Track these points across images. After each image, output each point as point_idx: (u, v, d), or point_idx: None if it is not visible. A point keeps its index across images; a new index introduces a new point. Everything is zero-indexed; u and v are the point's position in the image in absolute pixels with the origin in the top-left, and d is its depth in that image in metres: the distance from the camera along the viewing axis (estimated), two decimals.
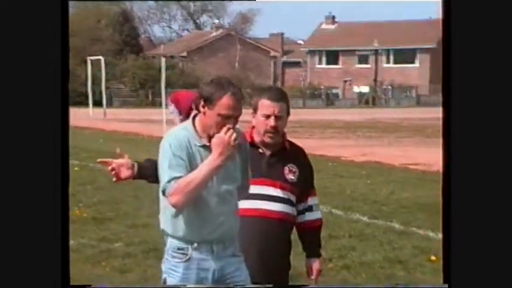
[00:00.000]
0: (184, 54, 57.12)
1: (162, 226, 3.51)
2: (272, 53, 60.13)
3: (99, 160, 3.66)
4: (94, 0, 45.23)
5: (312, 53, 58.39)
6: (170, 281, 3.50)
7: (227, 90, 3.44)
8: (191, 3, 68.20)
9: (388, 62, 54.99)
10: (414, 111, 40.24)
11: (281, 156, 3.84)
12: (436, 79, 52.60)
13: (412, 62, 54.21)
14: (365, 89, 52.64)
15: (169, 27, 71.56)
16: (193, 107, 3.56)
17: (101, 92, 35.15)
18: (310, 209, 3.93)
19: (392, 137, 22.36)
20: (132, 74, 49.69)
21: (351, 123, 28.42)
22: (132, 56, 51.83)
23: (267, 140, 3.79)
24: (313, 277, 3.93)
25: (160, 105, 28.42)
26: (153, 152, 3.71)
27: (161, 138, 3.50)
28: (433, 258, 3.78)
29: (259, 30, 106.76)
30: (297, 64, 59.65)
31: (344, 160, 15.27)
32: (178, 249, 3.46)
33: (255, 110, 3.82)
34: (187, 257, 3.47)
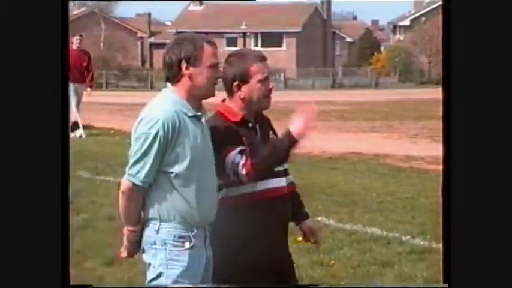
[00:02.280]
0: None
1: (151, 215, 3.23)
2: (139, 34, 59.26)
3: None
4: (94, 0, 42.94)
5: (179, 34, 57.94)
6: (173, 273, 3.22)
7: (202, 40, 3.28)
8: None
9: (256, 45, 55.49)
10: (283, 94, 40.85)
11: (264, 126, 3.59)
12: (302, 62, 53.90)
13: (280, 46, 55.06)
14: None
15: None
16: (165, 74, 3.30)
17: None
18: (286, 173, 3.65)
19: None
20: None
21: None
22: None
23: (267, 106, 3.51)
24: (314, 239, 3.80)
25: None
26: None
27: None
28: (299, 239, 3.91)
29: (125, 10, 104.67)
30: (165, 45, 59.07)
31: None
32: (180, 237, 3.23)
33: (246, 78, 3.45)
34: (192, 244, 3.24)
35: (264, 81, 3.45)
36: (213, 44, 3.32)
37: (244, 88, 3.45)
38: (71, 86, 13.10)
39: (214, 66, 3.28)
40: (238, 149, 3.37)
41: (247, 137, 3.41)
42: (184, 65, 3.25)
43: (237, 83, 3.45)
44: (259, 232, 3.42)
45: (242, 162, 3.32)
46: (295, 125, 3.32)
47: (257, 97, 3.46)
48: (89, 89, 14.39)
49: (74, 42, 14.17)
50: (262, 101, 3.48)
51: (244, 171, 3.32)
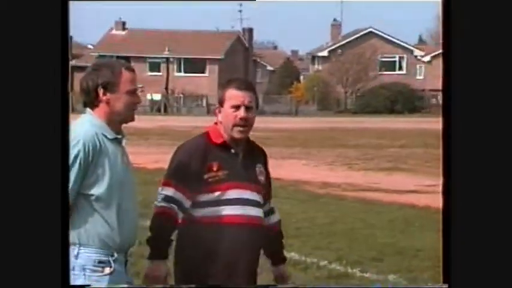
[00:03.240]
0: None
1: (71, 240, 3.10)
2: None
3: None
4: (94, 0, 41.45)
5: (102, 57, 57.38)
6: None
7: (120, 66, 3.24)
8: None
9: (179, 70, 55.40)
10: (204, 119, 40.91)
11: (251, 157, 3.51)
12: None
13: (202, 72, 55.09)
14: (157, 97, 52.68)
15: None
16: (83, 99, 3.24)
17: None
18: (273, 211, 3.67)
19: None
20: None
21: (143, 130, 28.28)
22: None
23: (236, 135, 3.43)
24: (287, 283, 3.71)
25: None
26: None
27: None
28: None
29: None
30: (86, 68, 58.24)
31: (136, 167, 15.19)
32: (100, 262, 3.16)
33: (221, 103, 3.46)
34: (112, 269, 3.18)
35: (237, 107, 3.44)
36: (131, 70, 3.31)
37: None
38: None
39: (132, 92, 3.26)
40: (171, 190, 3.44)
41: (223, 160, 3.42)
42: (101, 91, 3.21)
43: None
44: (213, 255, 3.40)
45: (159, 204, 3.44)
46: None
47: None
48: None
49: None
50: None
51: (154, 211, 3.47)
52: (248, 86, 3.50)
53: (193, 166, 3.41)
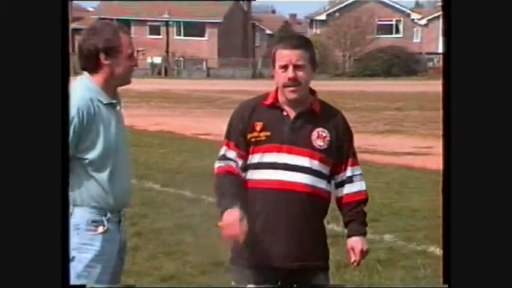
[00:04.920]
0: None
1: (72, 199, 3.11)
2: None
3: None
4: (94, 0, 40.66)
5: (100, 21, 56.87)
6: (85, 257, 3.16)
7: (119, 29, 3.18)
8: None
9: (179, 34, 55.09)
10: (204, 83, 40.80)
11: (308, 119, 3.25)
12: (224, 53, 53.79)
13: (202, 35, 54.77)
14: (158, 60, 52.45)
15: None
16: (81, 64, 3.17)
17: None
18: (349, 180, 3.33)
19: (184, 108, 22.57)
20: None
21: (144, 93, 28.22)
22: None
23: (288, 96, 3.22)
24: (355, 259, 3.35)
25: None
26: None
27: None
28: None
29: None
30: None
31: (137, 129, 15.16)
32: (93, 221, 3.18)
33: (273, 64, 3.26)
34: (106, 228, 3.19)
35: (285, 67, 3.23)
36: (128, 33, 3.26)
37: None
38: None
39: (131, 55, 3.22)
40: (224, 148, 3.34)
41: (269, 121, 3.24)
42: (102, 56, 3.16)
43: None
44: (255, 224, 3.21)
45: (217, 164, 3.34)
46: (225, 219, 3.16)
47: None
48: None
49: None
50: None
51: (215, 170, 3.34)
52: (297, 44, 3.25)
53: (241, 125, 3.28)
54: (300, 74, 3.21)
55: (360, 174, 3.37)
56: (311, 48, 3.30)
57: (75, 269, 3.16)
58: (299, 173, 3.22)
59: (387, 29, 55.91)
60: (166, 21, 54.38)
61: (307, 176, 3.22)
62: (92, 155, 3.16)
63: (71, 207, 3.17)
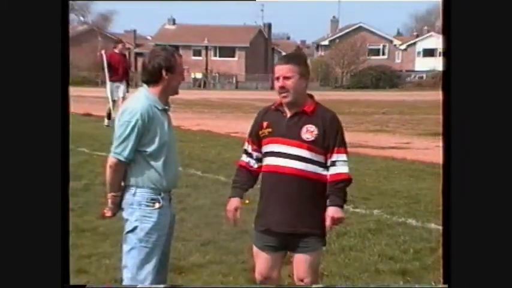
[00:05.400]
0: None
1: (130, 183, 3.21)
2: (127, 46, 58.14)
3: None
4: (95, 0, 39.48)
5: (158, 46, 57.04)
6: (145, 226, 3.22)
7: (174, 52, 3.30)
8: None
9: (215, 55, 55.38)
10: (234, 93, 40.83)
11: (301, 118, 3.31)
12: (250, 70, 54.04)
13: (233, 57, 55.02)
14: (199, 75, 52.69)
15: None
16: (145, 78, 3.26)
17: None
18: (333, 164, 3.30)
19: (219, 112, 22.64)
20: None
21: (188, 101, 28.31)
22: None
23: (282, 100, 3.32)
24: (328, 223, 3.27)
25: None
26: None
27: None
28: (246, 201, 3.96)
29: (115, 27, 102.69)
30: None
31: (183, 129, 15.22)
32: (152, 199, 3.23)
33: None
34: (161, 204, 3.26)
35: (278, 79, 3.34)
36: (180, 56, 3.39)
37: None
38: (115, 84, 13.07)
39: (182, 72, 3.35)
40: (246, 144, 3.53)
41: (273, 120, 3.38)
42: (164, 72, 3.25)
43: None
44: (262, 199, 3.42)
45: (241, 160, 3.53)
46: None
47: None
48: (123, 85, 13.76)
49: (119, 48, 13.83)
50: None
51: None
52: (286, 60, 3.34)
53: (256, 126, 3.46)
54: (287, 83, 3.28)
55: (344, 160, 3.32)
56: (301, 63, 3.34)
57: (138, 235, 3.22)
58: (291, 160, 3.29)
59: (376, 52, 56.21)
60: (206, 46, 54.57)
61: (297, 162, 3.29)
62: (150, 148, 3.24)
63: (133, 189, 3.21)
